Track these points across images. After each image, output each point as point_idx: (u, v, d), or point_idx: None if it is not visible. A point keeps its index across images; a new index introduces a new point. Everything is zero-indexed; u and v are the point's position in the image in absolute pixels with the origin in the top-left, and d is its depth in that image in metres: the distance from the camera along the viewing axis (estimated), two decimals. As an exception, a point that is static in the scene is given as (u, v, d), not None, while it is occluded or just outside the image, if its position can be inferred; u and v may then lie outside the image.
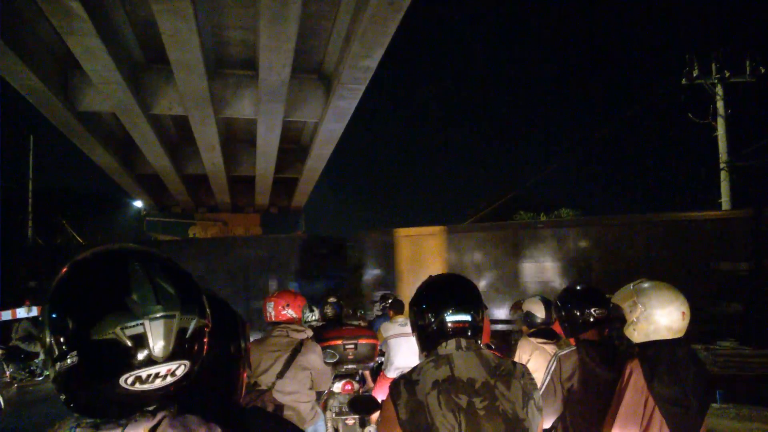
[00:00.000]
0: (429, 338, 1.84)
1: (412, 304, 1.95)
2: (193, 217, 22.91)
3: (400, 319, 5.34)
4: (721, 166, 15.13)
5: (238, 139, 16.99)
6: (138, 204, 23.46)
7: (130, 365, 0.93)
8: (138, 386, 0.94)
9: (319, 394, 4.05)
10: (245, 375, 1.51)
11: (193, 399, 1.14)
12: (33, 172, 21.64)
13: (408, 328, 5.16)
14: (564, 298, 2.96)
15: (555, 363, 2.74)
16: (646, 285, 2.42)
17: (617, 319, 2.47)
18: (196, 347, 1.04)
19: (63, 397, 0.95)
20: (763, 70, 14.92)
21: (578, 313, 2.82)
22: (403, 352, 4.99)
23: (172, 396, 1.02)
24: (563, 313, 2.92)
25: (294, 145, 17.64)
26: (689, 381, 2.23)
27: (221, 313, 1.48)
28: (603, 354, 2.64)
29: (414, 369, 1.76)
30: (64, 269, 0.99)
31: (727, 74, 15.17)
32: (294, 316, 3.76)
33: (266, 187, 19.32)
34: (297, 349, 3.55)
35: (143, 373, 0.94)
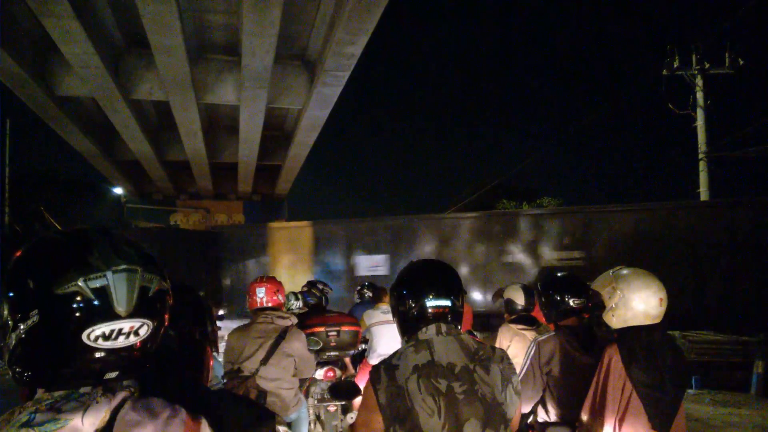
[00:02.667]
0: (409, 323, 1.86)
1: (392, 289, 1.96)
2: (175, 204, 22.68)
3: (383, 306, 5.33)
4: (700, 156, 15.34)
5: (220, 126, 16.82)
6: (118, 191, 23.14)
7: (93, 319, 0.92)
8: (101, 343, 0.93)
9: (302, 381, 4.06)
10: (211, 359, 1.52)
11: (158, 382, 1.13)
12: (9, 157, 21.25)
13: (390, 315, 5.21)
14: (545, 285, 3.00)
15: (534, 348, 2.79)
16: (624, 272, 2.47)
17: (596, 305, 2.52)
18: (158, 309, 1.03)
19: (18, 370, 0.93)
20: (742, 62, 15.12)
21: (559, 300, 2.86)
22: (386, 339, 5.02)
23: (136, 363, 1.01)
24: (543, 300, 2.97)
25: (277, 132, 17.50)
26: (666, 366, 2.27)
27: (186, 297, 1.48)
28: (582, 339, 2.70)
29: (394, 354, 1.78)
30: (19, 251, 0.98)
31: (707, 66, 15.34)
32: (282, 301, 3.81)
33: (249, 175, 19.18)
34: (281, 336, 3.56)
35: (107, 328, 0.93)
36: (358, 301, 6.81)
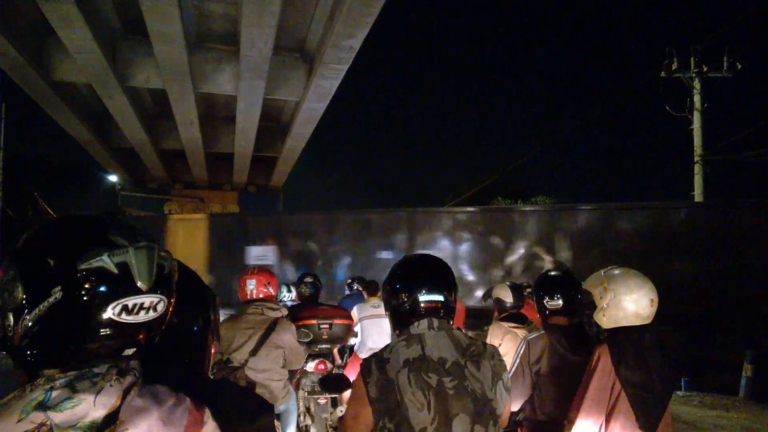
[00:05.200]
0: (402, 317, 1.86)
1: (385, 283, 1.96)
2: (170, 192, 22.62)
3: (373, 300, 5.47)
4: (696, 159, 15.38)
5: (217, 116, 16.77)
6: (113, 178, 23.06)
7: (117, 293, 0.94)
8: (125, 317, 0.95)
9: (291, 372, 4.06)
10: (213, 347, 1.51)
11: (162, 369, 1.14)
12: (4, 142, 21.10)
13: (381, 310, 5.30)
14: (537, 283, 3.01)
15: (523, 347, 2.80)
16: (616, 272, 2.47)
17: (587, 305, 2.51)
18: (171, 287, 1.06)
19: (29, 352, 0.93)
20: (740, 66, 15.15)
21: (549, 299, 2.87)
22: (376, 333, 5.10)
23: (149, 340, 1.03)
24: (536, 298, 2.98)
25: (274, 124, 17.45)
26: (655, 366, 2.28)
27: (190, 285, 1.48)
28: (572, 338, 2.71)
29: (386, 347, 1.77)
30: (31, 230, 0.99)
31: (705, 69, 15.37)
32: (273, 293, 3.79)
33: (245, 165, 19.13)
34: (271, 327, 3.56)
35: (130, 301, 0.95)
36: (348, 293, 6.95)
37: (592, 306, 2.48)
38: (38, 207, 22.96)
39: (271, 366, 3.53)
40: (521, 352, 2.79)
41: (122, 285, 0.94)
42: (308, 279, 5.21)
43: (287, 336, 3.62)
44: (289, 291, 5.78)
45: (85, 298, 0.92)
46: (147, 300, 0.97)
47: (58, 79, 12.28)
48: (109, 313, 0.93)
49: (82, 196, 28.53)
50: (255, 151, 17.46)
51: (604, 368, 2.31)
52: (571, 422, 2.39)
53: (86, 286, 0.92)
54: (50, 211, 22.52)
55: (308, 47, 12.14)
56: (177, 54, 10.54)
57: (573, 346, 2.69)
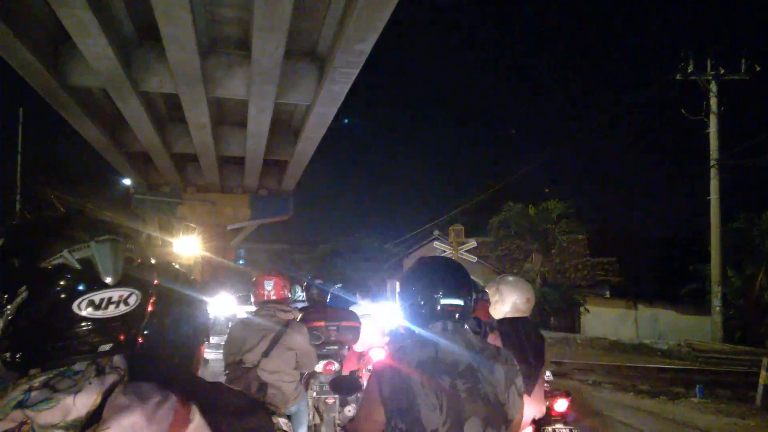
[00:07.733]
0: (418, 319, 1.86)
1: (402, 284, 1.95)
2: (182, 196, 22.76)
3: (362, 302, 5.97)
4: (712, 163, 15.23)
5: (228, 120, 16.85)
6: (126, 181, 23.26)
7: (81, 289, 0.93)
8: (92, 312, 0.94)
9: (301, 374, 4.09)
10: (203, 349, 1.52)
11: (150, 368, 1.13)
12: (22, 145, 21.35)
13: (369, 309, 5.69)
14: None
15: None
16: (509, 278, 3.44)
17: (487, 301, 3.42)
18: (145, 280, 1.05)
19: (8, 354, 0.94)
20: (758, 69, 14.91)
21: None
22: (368, 331, 5.45)
23: (128, 336, 1.02)
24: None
25: (285, 128, 17.53)
26: (531, 347, 3.17)
27: (180, 286, 1.48)
28: (473, 326, 3.64)
29: (399, 348, 1.78)
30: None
31: (722, 71, 15.16)
32: (288, 296, 3.87)
33: (256, 169, 19.23)
34: (283, 329, 3.59)
35: (96, 296, 0.95)
36: (339, 293, 7.69)
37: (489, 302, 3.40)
38: (55, 210, 23.12)
39: (283, 367, 3.55)
40: None
41: (86, 280, 0.94)
42: (318, 281, 5.26)
43: (299, 338, 3.65)
44: (302, 290, 6.08)
45: (49, 296, 0.92)
46: (115, 294, 0.97)
47: (73, 83, 12.39)
48: (75, 309, 0.93)
49: (98, 200, 28.77)
50: (266, 154, 17.55)
51: None
52: None
53: (49, 283, 0.92)
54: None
55: (319, 51, 12.19)
56: (189, 59, 10.61)
57: (475, 331, 3.40)
